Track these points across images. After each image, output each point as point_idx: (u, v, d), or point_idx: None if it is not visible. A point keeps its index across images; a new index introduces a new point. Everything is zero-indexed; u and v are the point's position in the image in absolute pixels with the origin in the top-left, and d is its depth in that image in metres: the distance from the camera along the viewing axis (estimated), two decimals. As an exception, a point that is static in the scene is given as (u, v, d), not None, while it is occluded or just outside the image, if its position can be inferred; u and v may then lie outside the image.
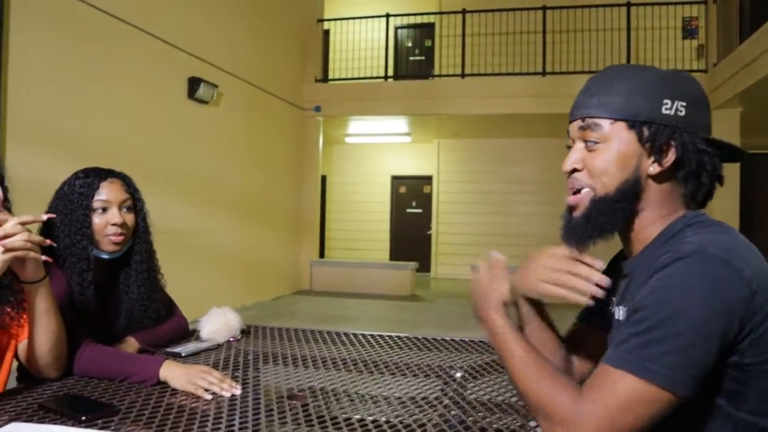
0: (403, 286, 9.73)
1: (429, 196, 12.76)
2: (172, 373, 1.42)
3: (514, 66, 9.70)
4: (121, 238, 1.64)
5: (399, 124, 11.15)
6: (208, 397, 1.33)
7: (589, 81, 1.14)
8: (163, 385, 1.40)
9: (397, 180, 13.13)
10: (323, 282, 9.95)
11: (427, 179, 12.73)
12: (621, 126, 1.06)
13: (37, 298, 1.31)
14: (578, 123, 1.12)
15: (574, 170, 1.12)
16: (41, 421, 1.14)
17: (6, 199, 1.38)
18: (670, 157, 1.05)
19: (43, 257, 1.28)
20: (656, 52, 9.26)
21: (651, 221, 1.09)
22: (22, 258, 1.24)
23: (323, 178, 11.49)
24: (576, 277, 1.07)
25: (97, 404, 1.24)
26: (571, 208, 1.14)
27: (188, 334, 1.90)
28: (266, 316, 7.10)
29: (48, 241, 1.29)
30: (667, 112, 1.04)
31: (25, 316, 1.37)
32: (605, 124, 1.07)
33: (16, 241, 1.21)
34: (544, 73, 9.29)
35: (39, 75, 4.69)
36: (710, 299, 0.90)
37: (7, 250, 1.19)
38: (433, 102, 9.73)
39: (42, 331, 1.34)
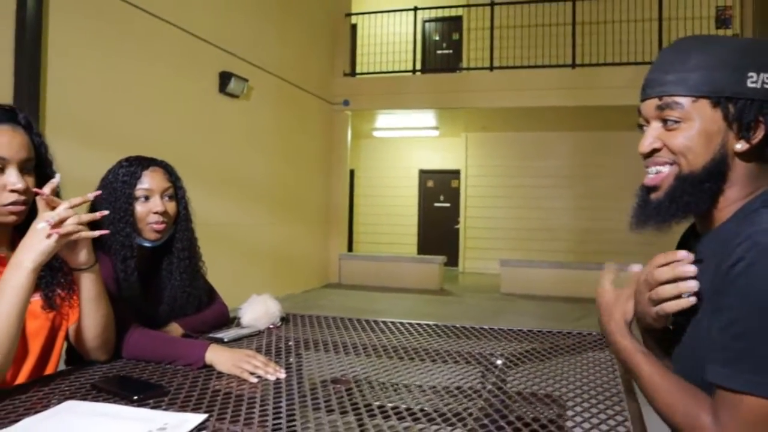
0: (432, 280, 9.72)
1: (457, 190, 12.73)
2: (218, 356, 1.44)
3: (543, 58, 9.61)
4: (162, 226, 1.66)
5: (427, 117, 11.13)
6: (254, 380, 1.35)
7: (661, 55, 1.07)
8: (209, 368, 1.43)
9: (424, 174, 13.12)
10: (352, 275, 9.99)
11: (455, 173, 12.70)
12: (704, 103, 0.99)
13: (87, 284, 1.34)
14: (654, 102, 1.04)
15: (653, 150, 1.05)
16: (95, 400, 1.17)
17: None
18: (759, 133, 0.98)
19: (95, 233, 1.30)
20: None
21: (734, 200, 1.02)
22: (74, 243, 1.27)
23: (351, 172, 11.52)
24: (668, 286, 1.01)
25: (148, 385, 1.26)
26: (649, 190, 1.07)
27: (229, 320, 1.93)
28: (296, 309, 7.17)
29: (99, 215, 1.30)
30: (753, 85, 0.97)
31: (75, 298, 1.40)
32: (686, 101, 1.00)
33: (68, 225, 1.23)
34: (573, 65, 9.19)
35: (76, 71, 4.79)
36: None
37: (61, 235, 1.22)
38: (461, 95, 9.69)
39: (91, 316, 1.37)
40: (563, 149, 11.75)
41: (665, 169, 1.05)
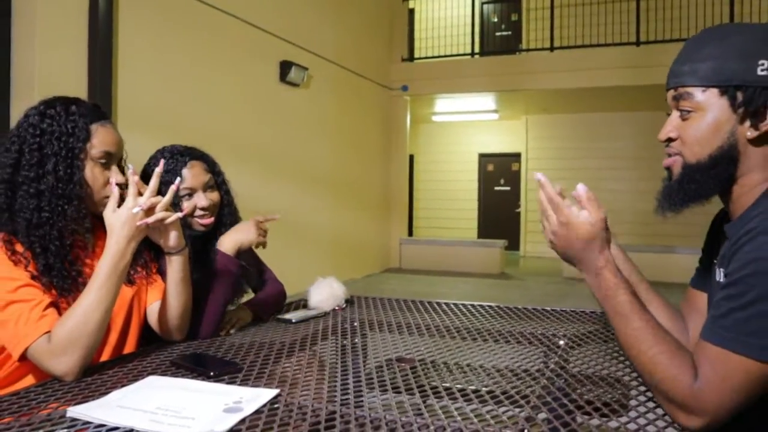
0: (493, 264, 9.67)
1: (517, 173, 12.59)
2: (235, 239, 1.66)
3: (605, 37, 9.33)
4: (209, 220, 1.73)
5: (486, 101, 11.01)
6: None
7: (684, 46, 1.11)
8: (280, 347, 1.49)
9: (484, 158, 13.01)
10: (412, 260, 10.04)
11: (516, 156, 12.55)
12: (713, 93, 1.04)
13: (176, 266, 1.42)
14: (671, 92, 1.10)
15: (670, 139, 1.11)
16: (174, 375, 1.24)
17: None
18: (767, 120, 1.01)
19: (178, 214, 1.36)
20: (763, 15, 8.67)
21: (753, 185, 1.05)
22: (165, 227, 1.34)
23: (411, 157, 11.53)
24: None
25: (223, 362, 1.33)
26: (670, 172, 1.13)
27: (285, 299, 1.99)
28: (359, 293, 7.28)
29: (173, 187, 1.37)
30: (764, 73, 0.99)
31: (152, 278, 1.48)
32: (696, 92, 1.05)
33: (159, 213, 1.31)
34: (638, 43, 8.90)
35: (143, 66, 4.96)
36: None
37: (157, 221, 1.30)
38: (521, 77, 9.54)
39: (176, 297, 1.44)
40: (627, 130, 11.43)
41: (673, 158, 1.11)
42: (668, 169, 1.13)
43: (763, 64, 0.99)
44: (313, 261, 7.40)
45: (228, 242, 1.68)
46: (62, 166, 1.31)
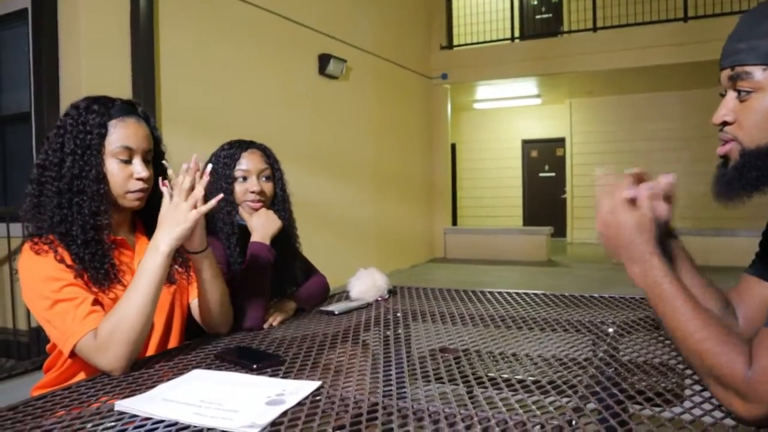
0: (539, 252, 9.55)
1: (562, 158, 12.38)
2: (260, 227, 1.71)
3: (651, 14, 9.04)
4: (259, 204, 1.75)
5: (528, 86, 10.84)
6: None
7: (739, 21, 1.03)
8: (322, 340, 1.48)
9: (528, 144, 12.84)
10: (457, 249, 9.98)
11: (560, 141, 12.34)
12: None
13: (202, 266, 1.43)
14: (727, 72, 1.02)
15: (725, 123, 1.03)
16: (218, 368, 1.25)
17: (166, 173, 1.50)
18: None
19: (210, 203, 1.36)
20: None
21: None
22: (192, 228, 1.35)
23: (453, 146, 11.44)
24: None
25: (266, 354, 1.33)
26: (725, 159, 1.05)
27: (329, 291, 2.00)
28: (404, 284, 7.29)
29: (214, 201, 1.38)
30: None
31: (192, 274, 1.50)
32: (756, 71, 0.97)
33: (211, 203, 1.33)
34: (685, 19, 8.61)
35: (184, 62, 5.04)
36: None
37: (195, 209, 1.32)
38: (563, 60, 9.35)
39: (209, 295, 1.46)
40: (676, 110, 11.10)
41: (728, 145, 1.03)
42: (724, 156, 1.05)
43: None
44: (357, 253, 7.43)
45: (260, 234, 1.70)
46: (79, 162, 1.34)
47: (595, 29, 9.28)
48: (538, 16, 12.04)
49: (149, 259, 1.28)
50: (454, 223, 11.82)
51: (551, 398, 1.05)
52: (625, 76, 9.74)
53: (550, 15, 11.81)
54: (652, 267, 1.04)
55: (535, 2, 12.15)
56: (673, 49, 8.53)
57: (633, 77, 9.86)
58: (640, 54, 8.78)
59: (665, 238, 1.20)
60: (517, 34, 10.40)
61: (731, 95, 1.02)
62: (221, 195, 1.40)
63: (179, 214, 1.30)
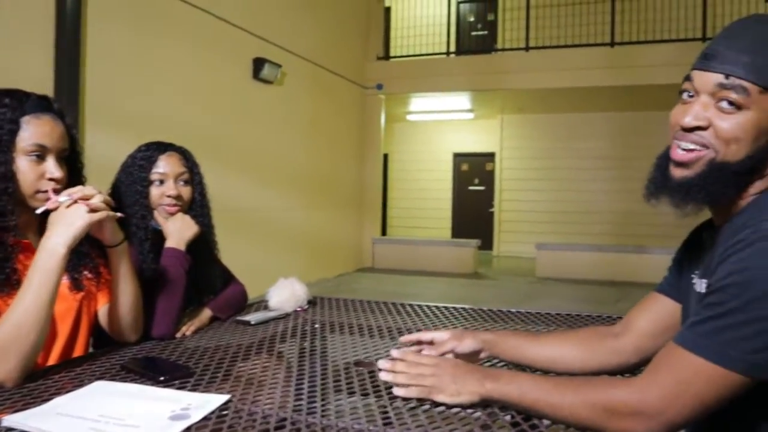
0: (466, 264, 9.69)
1: (492, 173, 12.63)
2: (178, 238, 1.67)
3: (580, 37, 9.41)
4: (175, 209, 1.70)
5: (461, 100, 11.03)
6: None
7: (736, 29, 0.98)
8: (236, 350, 1.45)
9: (459, 157, 13.04)
10: (385, 259, 10.02)
11: (490, 156, 12.59)
12: None
13: (117, 260, 1.38)
14: (719, 78, 0.95)
15: (698, 127, 0.98)
16: (123, 380, 1.20)
17: (81, 174, 1.44)
18: None
19: (118, 214, 1.33)
20: (735, 18, 8.78)
21: (751, 193, 0.99)
22: (100, 222, 1.29)
23: (385, 156, 11.50)
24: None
25: (174, 366, 1.29)
26: (677, 164, 1.02)
27: (247, 300, 1.96)
28: (329, 293, 7.26)
29: (112, 205, 1.33)
30: None
31: (102, 281, 1.44)
32: (754, 90, 0.93)
33: (96, 202, 1.27)
34: (612, 44, 8.98)
35: (112, 59, 4.87)
36: None
37: (90, 210, 1.25)
38: (497, 77, 9.57)
39: (122, 293, 1.41)
40: (602, 130, 11.53)
41: (699, 151, 0.99)
42: (681, 162, 1.00)
43: None
44: (286, 261, 7.34)
45: (175, 239, 1.65)
46: None
47: (527, 49, 9.56)
48: (473, 33, 12.29)
49: (43, 260, 1.21)
50: (384, 233, 11.88)
51: (463, 413, 1.06)
52: (555, 95, 10.06)
53: (486, 32, 12.09)
54: (493, 392, 1.06)
55: (472, 19, 12.40)
56: (601, 71, 8.87)
57: (563, 97, 10.21)
58: (570, 75, 9.09)
59: (492, 350, 1.32)
60: (453, 48, 10.58)
61: (707, 100, 0.97)
62: (119, 214, 1.35)
63: (72, 214, 1.24)
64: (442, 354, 1.30)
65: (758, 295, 0.85)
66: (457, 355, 1.30)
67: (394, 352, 1.21)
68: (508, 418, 1.04)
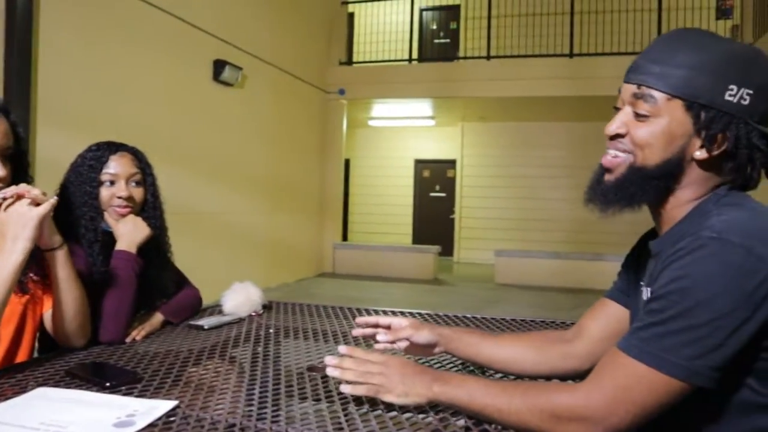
0: (426, 270, 9.73)
1: (453, 180, 12.72)
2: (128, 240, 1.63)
3: (540, 48, 9.56)
4: (126, 210, 1.66)
5: (423, 107, 11.09)
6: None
7: (653, 43, 1.05)
8: (186, 356, 1.42)
9: (420, 164, 13.10)
10: (346, 265, 9.99)
11: (451, 163, 12.69)
12: (677, 104, 0.99)
13: (56, 264, 1.34)
14: (632, 88, 1.03)
15: (617, 135, 1.06)
16: (68, 386, 1.17)
17: (27, 173, 1.40)
18: (721, 146, 0.98)
19: (53, 199, 1.29)
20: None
21: (685, 201, 1.03)
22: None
23: (347, 162, 11.49)
24: None
25: (121, 371, 1.26)
26: (605, 170, 1.09)
27: (201, 304, 1.93)
28: (289, 298, 7.20)
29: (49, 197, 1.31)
30: (730, 98, 0.95)
31: (48, 283, 1.40)
32: (660, 97, 0.99)
33: (35, 194, 1.23)
34: (571, 55, 9.15)
35: (67, 59, 4.76)
36: (733, 289, 0.86)
37: (34, 204, 1.22)
38: (458, 84, 9.66)
39: (64, 298, 1.37)
40: (561, 139, 11.73)
41: (622, 156, 1.06)
42: (607, 168, 1.08)
43: (732, 90, 0.95)
44: (245, 265, 7.26)
45: (125, 242, 1.62)
46: None
47: (488, 57, 9.67)
48: (436, 41, 12.39)
49: (3, 261, 1.19)
50: (345, 238, 11.85)
51: (415, 418, 1.06)
52: (515, 104, 10.20)
53: (448, 40, 12.19)
54: (439, 394, 1.07)
55: (434, 27, 12.50)
56: (559, 82, 9.03)
57: (523, 106, 10.35)
58: (530, 84, 9.22)
59: (448, 345, 1.33)
60: (415, 56, 10.63)
61: (628, 110, 1.04)
62: (55, 199, 1.31)
63: (20, 215, 1.22)
64: (397, 340, 1.31)
65: (698, 301, 0.87)
66: (412, 345, 1.31)
67: (342, 348, 1.20)
68: (461, 422, 1.04)
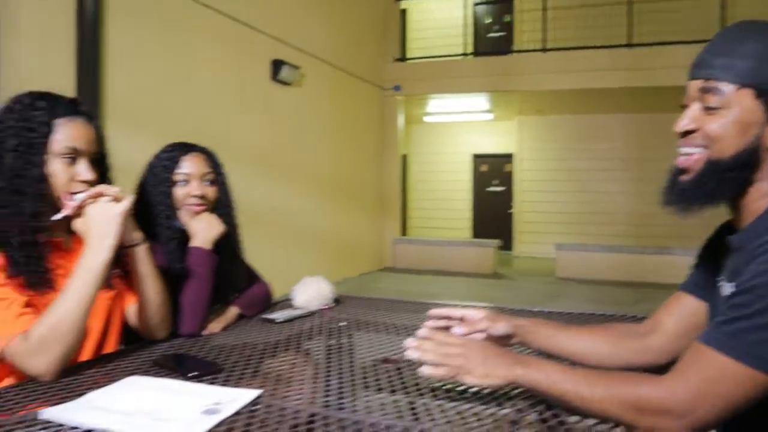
0: (486, 264, 9.67)
1: (510, 174, 12.58)
2: (203, 237, 1.68)
3: (597, 39, 9.32)
4: (200, 208, 1.71)
5: (479, 101, 11.00)
6: None
7: (715, 37, 1.05)
8: (263, 347, 1.46)
9: (478, 158, 13.01)
10: (406, 260, 10.02)
11: (509, 157, 12.54)
12: (747, 93, 0.98)
13: (137, 261, 1.40)
14: (699, 83, 1.03)
15: (688, 132, 1.04)
16: (155, 375, 1.22)
17: (107, 177, 1.47)
18: None
19: (131, 196, 1.35)
20: (755, 18, 8.67)
21: (765, 193, 1.01)
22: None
23: (404, 158, 11.50)
24: None
25: (203, 362, 1.31)
26: (680, 171, 1.07)
27: (271, 298, 1.97)
28: (352, 292, 7.28)
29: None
30: None
31: (131, 281, 1.46)
32: (728, 88, 0.98)
33: (119, 194, 1.30)
34: (629, 45, 8.89)
35: (133, 61, 4.92)
36: None
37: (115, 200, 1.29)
38: (514, 78, 9.53)
39: (147, 293, 1.43)
40: (619, 131, 11.44)
41: (697, 152, 1.04)
42: (683, 168, 1.06)
43: None
44: (307, 261, 7.38)
45: (201, 239, 1.67)
46: (20, 161, 1.28)
47: (544, 50, 9.50)
48: (490, 34, 12.24)
49: (91, 257, 1.25)
50: (404, 233, 11.87)
51: (491, 410, 1.06)
52: (572, 96, 10.00)
53: (503, 33, 12.03)
54: (520, 378, 1.06)
55: (488, 20, 12.36)
56: (618, 73, 8.80)
57: (579, 98, 10.14)
58: (587, 76, 9.03)
59: (525, 337, 1.32)
60: (469, 50, 10.55)
61: (696, 106, 1.04)
62: (131, 196, 1.37)
63: (106, 212, 1.28)
64: (472, 333, 1.28)
65: None
66: (488, 337, 1.29)
67: (422, 331, 1.19)
68: (534, 416, 1.03)
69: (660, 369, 1.22)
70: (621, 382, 0.98)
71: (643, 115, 10.95)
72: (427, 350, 1.12)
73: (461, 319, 1.33)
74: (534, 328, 1.32)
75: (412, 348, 1.13)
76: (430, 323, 1.30)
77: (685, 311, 1.22)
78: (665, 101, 9.68)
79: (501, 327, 1.30)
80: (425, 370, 1.10)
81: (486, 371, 1.07)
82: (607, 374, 1.03)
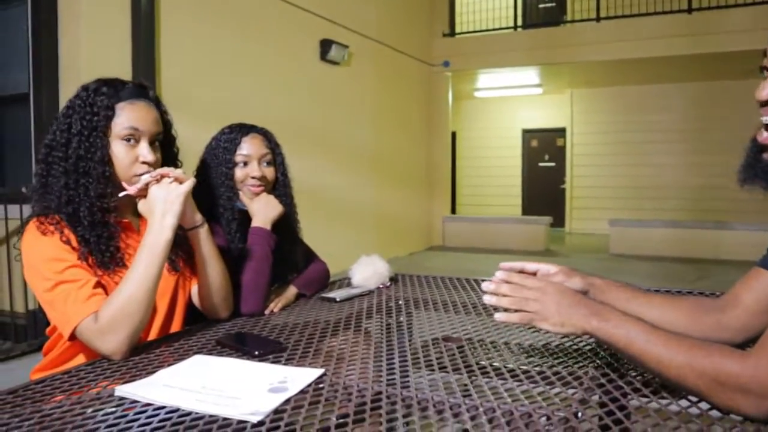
0: (537, 242, 9.54)
1: (562, 148, 12.34)
2: (263, 217, 1.69)
3: (655, 5, 8.97)
4: (260, 189, 1.73)
5: (529, 75, 10.77)
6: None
7: None
8: (324, 326, 1.47)
9: (528, 133, 12.80)
10: (456, 238, 9.98)
11: (560, 131, 12.30)
12: None
13: (199, 242, 1.43)
14: None
15: None
16: (219, 354, 1.24)
17: (176, 159, 1.49)
18: None
19: (192, 178, 1.38)
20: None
21: None
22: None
23: (453, 134, 11.39)
24: None
25: (267, 341, 1.32)
26: (762, 148, 1.00)
27: (329, 277, 1.99)
28: (403, 271, 7.28)
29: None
30: None
31: (193, 261, 1.49)
32: None
33: (181, 176, 1.33)
34: (690, 10, 8.53)
35: (185, 45, 5.00)
36: None
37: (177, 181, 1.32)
38: (566, 50, 9.28)
39: (209, 273, 1.45)
40: (676, 102, 11.06)
41: None
42: (764, 146, 0.99)
43: None
44: (357, 239, 7.42)
45: (260, 219, 1.69)
46: (85, 144, 1.33)
47: (598, 19, 9.21)
48: (541, 5, 11.94)
49: (154, 236, 1.28)
50: (453, 211, 11.80)
51: (556, 389, 1.04)
52: (626, 67, 9.69)
53: (554, 4, 11.72)
54: (598, 331, 1.03)
55: (539, -9, 12.05)
56: (676, 40, 8.47)
57: (634, 68, 9.81)
58: (643, 45, 8.73)
59: (599, 296, 1.25)
60: (519, 22, 10.32)
61: None
62: (193, 179, 1.39)
63: (168, 192, 1.31)
64: None
65: None
66: None
67: (499, 274, 1.17)
68: (595, 398, 1.01)
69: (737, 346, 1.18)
70: (704, 353, 0.93)
71: (702, 83, 10.55)
72: (503, 295, 1.10)
73: (535, 274, 1.29)
74: (608, 288, 1.28)
75: (489, 293, 1.12)
76: (501, 274, 1.22)
77: (763, 288, 1.16)
78: (723, 68, 9.31)
79: (576, 282, 1.26)
80: (499, 317, 1.09)
81: (561, 319, 1.05)
82: (689, 341, 0.97)
